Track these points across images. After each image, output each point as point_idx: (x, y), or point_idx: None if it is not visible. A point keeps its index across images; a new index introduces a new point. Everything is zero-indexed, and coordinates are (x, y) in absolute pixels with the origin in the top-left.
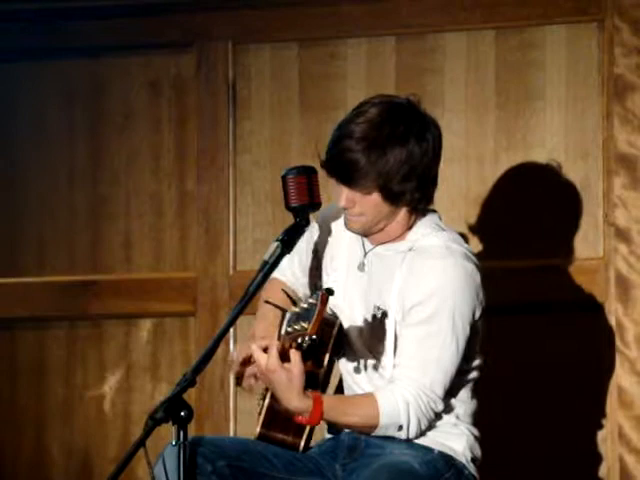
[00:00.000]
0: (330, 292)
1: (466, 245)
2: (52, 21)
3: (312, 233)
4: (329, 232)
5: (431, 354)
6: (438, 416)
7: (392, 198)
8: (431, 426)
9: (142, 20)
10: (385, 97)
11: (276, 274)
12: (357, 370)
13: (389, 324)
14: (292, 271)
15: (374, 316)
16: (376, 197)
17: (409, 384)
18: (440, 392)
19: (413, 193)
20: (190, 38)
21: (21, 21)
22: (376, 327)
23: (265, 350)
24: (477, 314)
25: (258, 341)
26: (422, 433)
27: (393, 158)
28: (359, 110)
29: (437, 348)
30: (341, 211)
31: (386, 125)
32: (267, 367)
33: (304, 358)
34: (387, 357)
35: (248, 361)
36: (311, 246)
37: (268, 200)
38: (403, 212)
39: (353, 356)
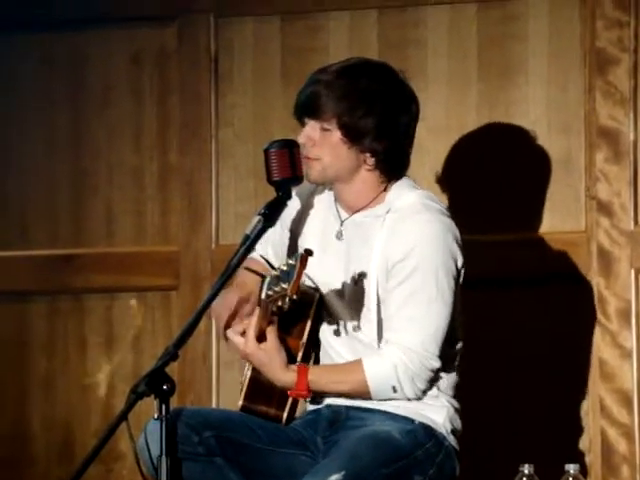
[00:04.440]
0: (309, 253)
1: (442, 204)
2: None
3: (285, 211)
4: (302, 208)
5: (418, 311)
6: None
7: (352, 135)
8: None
9: None
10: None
11: (253, 254)
12: (337, 333)
13: (371, 287)
14: (267, 250)
15: (355, 282)
16: (335, 135)
17: (399, 346)
18: (432, 348)
19: (375, 138)
20: (172, 11)
21: None
22: (357, 292)
23: (243, 334)
24: (459, 266)
25: (234, 326)
26: (424, 392)
27: (356, 92)
28: (335, 62)
29: (424, 304)
30: (313, 188)
31: (357, 71)
32: (245, 351)
33: (286, 327)
34: (369, 321)
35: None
36: (286, 224)
37: (250, 174)
38: (372, 172)
39: (332, 321)
